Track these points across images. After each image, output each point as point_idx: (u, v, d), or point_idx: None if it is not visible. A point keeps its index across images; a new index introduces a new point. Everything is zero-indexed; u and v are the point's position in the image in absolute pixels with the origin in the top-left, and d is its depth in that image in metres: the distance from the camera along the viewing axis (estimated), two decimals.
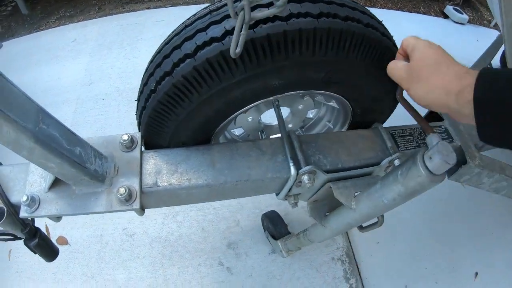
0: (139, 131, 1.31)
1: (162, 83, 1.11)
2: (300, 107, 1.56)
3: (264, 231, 2.41)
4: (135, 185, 1.19)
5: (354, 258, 2.40)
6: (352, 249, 2.43)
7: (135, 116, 1.34)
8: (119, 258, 2.44)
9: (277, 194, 1.45)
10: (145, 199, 1.23)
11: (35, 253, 1.37)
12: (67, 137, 1.06)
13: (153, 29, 3.60)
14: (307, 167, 1.25)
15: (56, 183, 1.21)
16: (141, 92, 1.21)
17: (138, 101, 1.25)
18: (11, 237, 1.37)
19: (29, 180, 1.24)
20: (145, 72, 1.22)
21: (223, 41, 1.03)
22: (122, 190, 1.14)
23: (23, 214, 1.19)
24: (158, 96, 1.13)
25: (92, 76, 3.37)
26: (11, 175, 1.27)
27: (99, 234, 2.55)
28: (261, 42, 1.03)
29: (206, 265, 2.36)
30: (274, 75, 1.13)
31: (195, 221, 2.52)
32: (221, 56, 1.04)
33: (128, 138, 1.23)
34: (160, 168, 1.25)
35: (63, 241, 2.57)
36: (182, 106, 1.14)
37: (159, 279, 2.33)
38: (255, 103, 1.26)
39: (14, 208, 1.22)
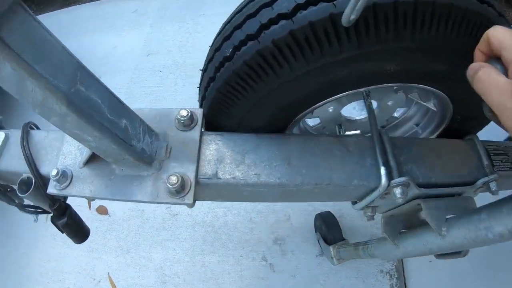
0: (201, 107, 0.99)
1: (242, 49, 0.80)
2: (390, 103, 1.24)
3: (316, 232, 2.10)
4: (190, 174, 0.89)
5: (403, 274, 2.05)
6: (402, 263, 2.08)
7: (198, 89, 1.02)
8: (158, 236, 2.23)
9: (353, 203, 1.16)
10: (199, 191, 0.94)
11: (62, 232, 1.16)
12: (111, 105, 0.76)
13: (217, 6, 3.29)
14: (402, 178, 0.94)
15: (93, 158, 0.94)
16: (210, 59, 0.89)
17: (204, 70, 0.93)
18: (39, 210, 1.17)
19: (64, 150, 0.99)
20: (217, 35, 0.90)
21: (334, 2, 0.72)
22: (173, 179, 0.84)
23: (51, 190, 0.96)
24: (234, 66, 0.81)
25: (151, 47, 3.11)
26: (45, 142, 1.04)
27: (141, 209, 2.34)
28: (385, 10, 0.71)
29: (249, 258, 2.10)
30: (393, 58, 0.81)
31: (243, 210, 2.24)
32: (329, 21, 0.72)
33: (187, 115, 0.92)
34: (223, 156, 0.94)
35: (103, 210, 2.39)
36: (266, 81, 0.82)
37: (197, 264, 2.11)
38: (352, 90, 0.94)
39: (43, 181, 1.00)
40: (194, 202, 0.88)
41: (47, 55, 0.62)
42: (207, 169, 0.92)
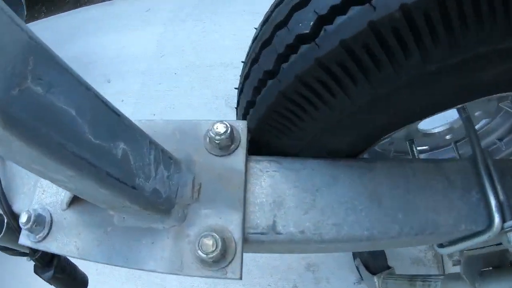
0: (243, 118, 0.63)
1: (340, 21, 0.43)
2: (477, 113, 0.99)
3: (355, 258, 1.79)
4: (234, 229, 0.54)
5: None
6: None
7: (237, 90, 0.66)
8: None
9: (441, 246, 0.84)
10: (245, 248, 0.58)
11: (50, 284, 0.87)
12: (96, 118, 0.40)
13: (234, 4, 2.95)
14: None
15: (81, 198, 0.59)
16: (267, 40, 0.53)
17: (253, 60, 0.56)
18: (20, 250, 0.86)
19: (42, 181, 0.66)
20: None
21: None
22: (208, 243, 0.49)
23: (24, 240, 0.64)
24: (320, 52, 0.44)
25: (165, 48, 2.78)
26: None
27: None
28: None
29: (277, 287, 1.78)
30: None
31: None
32: None
33: (225, 131, 0.57)
34: (282, 196, 0.59)
35: None
36: (377, 79, 0.46)
37: None
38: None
39: (18, 221, 0.68)
40: (241, 275, 0.52)
41: None
42: (259, 217, 0.57)
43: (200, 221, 0.53)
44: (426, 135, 1.10)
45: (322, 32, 0.42)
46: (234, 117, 2.12)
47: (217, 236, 0.49)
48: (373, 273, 1.59)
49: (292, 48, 0.46)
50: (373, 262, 1.63)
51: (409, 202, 0.62)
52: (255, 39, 0.60)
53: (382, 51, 0.41)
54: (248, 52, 0.62)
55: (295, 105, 0.50)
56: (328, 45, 0.42)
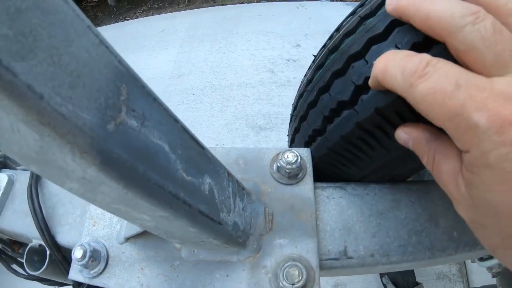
0: (306, 146, 0.60)
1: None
2: None
3: (382, 276, 1.73)
4: (311, 257, 0.51)
5: None
6: None
7: (292, 116, 0.64)
8: None
9: (482, 260, 0.99)
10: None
11: None
12: (186, 152, 0.36)
13: (249, 24, 2.93)
14: None
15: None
16: (348, 59, 0.45)
17: (334, 74, 0.51)
18: (60, 281, 0.79)
19: (92, 211, 0.61)
20: None
21: None
22: (294, 273, 0.48)
23: (75, 275, 0.58)
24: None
25: (182, 69, 2.74)
26: (63, 192, 0.68)
27: None
28: None
29: None
30: None
31: None
32: None
33: (296, 160, 0.54)
34: (350, 221, 0.56)
35: None
36: None
37: None
38: None
39: (62, 253, 0.66)
40: None
41: (52, 45, 0.23)
42: (330, 243, 0.54)
43: (276, 251, 0.50)
44: None
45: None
46: (255, 138, 2.08)
47: (301, 266, 0.47)
48: None
49: None
50: (402, 279, 1.58)
51: (461, 221, 0.59)
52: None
53: None
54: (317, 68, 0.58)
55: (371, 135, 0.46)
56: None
